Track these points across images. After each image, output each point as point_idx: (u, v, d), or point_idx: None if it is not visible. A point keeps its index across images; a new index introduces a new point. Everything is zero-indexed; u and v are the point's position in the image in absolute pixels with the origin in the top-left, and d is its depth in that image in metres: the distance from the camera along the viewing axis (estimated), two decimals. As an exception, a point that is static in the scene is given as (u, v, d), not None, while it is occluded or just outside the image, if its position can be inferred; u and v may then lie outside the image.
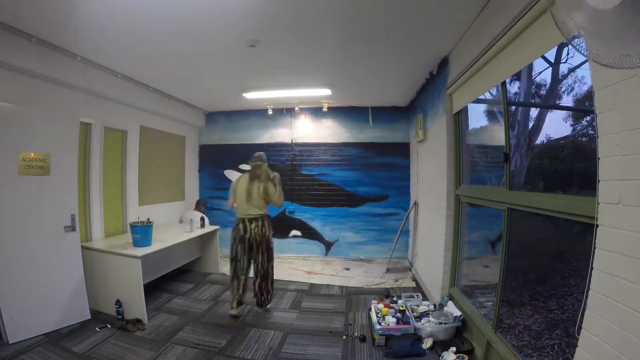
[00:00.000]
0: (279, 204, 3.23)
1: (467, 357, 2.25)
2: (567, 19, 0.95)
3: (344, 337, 2.75)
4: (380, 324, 2.72)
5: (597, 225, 1.24)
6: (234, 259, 3.15)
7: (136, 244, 3.10)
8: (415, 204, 4.58)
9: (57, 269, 2.77)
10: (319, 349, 2.57)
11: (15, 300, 2.51)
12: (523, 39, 1.82)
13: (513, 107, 2.13)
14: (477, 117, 3.03)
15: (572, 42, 0.97)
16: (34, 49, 2.59)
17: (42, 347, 2.46)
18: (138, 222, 3.21)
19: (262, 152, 3.26)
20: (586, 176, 1.34)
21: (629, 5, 0.81)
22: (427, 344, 2.53)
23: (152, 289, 3.87)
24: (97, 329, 2.76)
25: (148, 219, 3.29)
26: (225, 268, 3.98)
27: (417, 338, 2.58)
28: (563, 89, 1.95)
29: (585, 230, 1.30)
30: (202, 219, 4.39)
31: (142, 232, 3.11)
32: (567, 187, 1.62)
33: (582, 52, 0.96)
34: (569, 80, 1.78)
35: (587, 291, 1.27)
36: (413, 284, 4.11)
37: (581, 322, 1.30)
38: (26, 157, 2.62)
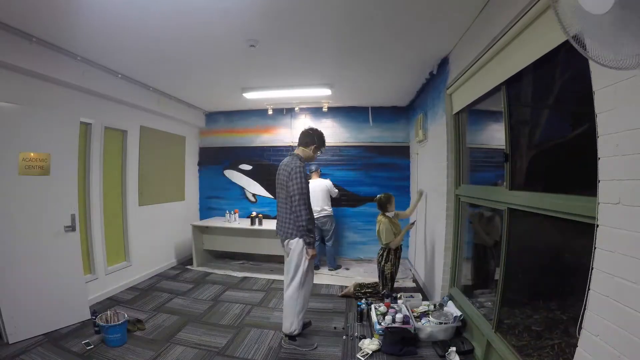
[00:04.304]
0: None
1: None
2: (570, 18, 0.95)
3: (344, 337, 2.75)
4: (380, 323, 2.72)
5: (597, 225, 1.24)
6: None
7: (111, 344, 2.52)
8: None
9: (57, 269, 2.77)
10: (319, 349, 2.57)
11: (15, 300, 2.51)
12: (523, 39, 1.82)
13: (513, 107, 2.15)
14: (477, 116, 3.02)
15: (574, 40, 0.96)
16: (34, 49, 2.59)
17: (42, 347, 2.46)
18: (108, 319, 2.61)
19: None
20: (585, 176, 1.33)
21: (628, 4, 0.81)
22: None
23: (152, 289, 3.88)
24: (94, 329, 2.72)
25: (124, 315, 2.66)
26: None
27: (409, 335, 2.56)
28: (563, 89, 1.94)
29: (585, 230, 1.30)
30: None
31: (120, 330, 2.57)
32: (567, 187, 1.62)
33: (583, 51, 0.96)
34: (569, 80, 1.78)
35: (587, 291, 1.27)
36: (413, 284, 4.11)
37: (581, 322, 1.30)
38: (26, 157, 2.62)
